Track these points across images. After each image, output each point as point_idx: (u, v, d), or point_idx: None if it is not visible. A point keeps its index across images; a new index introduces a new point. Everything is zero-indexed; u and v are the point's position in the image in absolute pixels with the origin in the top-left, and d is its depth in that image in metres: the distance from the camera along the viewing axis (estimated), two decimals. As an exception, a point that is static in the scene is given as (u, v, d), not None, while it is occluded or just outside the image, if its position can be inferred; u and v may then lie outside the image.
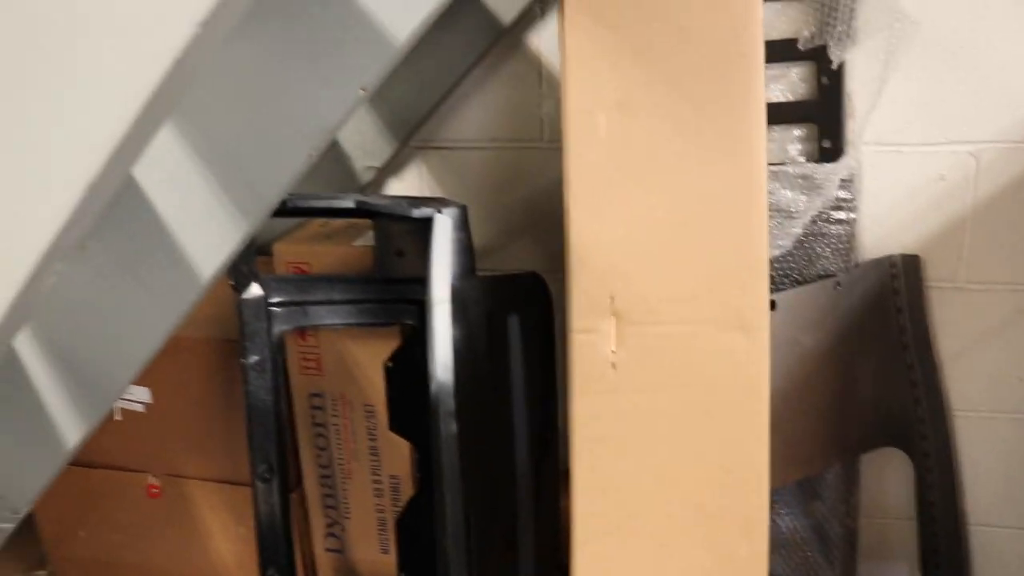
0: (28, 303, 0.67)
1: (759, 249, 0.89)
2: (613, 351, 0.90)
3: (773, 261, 1.29)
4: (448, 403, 0.98)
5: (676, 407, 0.90)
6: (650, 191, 0.90)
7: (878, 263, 1.33)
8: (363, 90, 0.89)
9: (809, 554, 1.39)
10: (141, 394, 1.32)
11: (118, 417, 1.34)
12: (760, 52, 0.89)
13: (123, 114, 0.83)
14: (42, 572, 1.62)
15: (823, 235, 1.30)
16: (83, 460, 1.31)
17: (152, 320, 1.09)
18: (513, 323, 1.07)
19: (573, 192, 0.90)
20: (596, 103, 0.90)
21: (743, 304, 0.89)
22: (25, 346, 1.15)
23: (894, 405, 1.37)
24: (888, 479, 1.44)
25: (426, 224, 1.03)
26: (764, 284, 0.90)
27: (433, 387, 0.98)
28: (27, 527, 1.47)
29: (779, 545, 1.39)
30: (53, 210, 0.66)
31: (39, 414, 1.16)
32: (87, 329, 1.12)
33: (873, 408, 1.37)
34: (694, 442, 0.91)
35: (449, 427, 0.98)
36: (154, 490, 1.39)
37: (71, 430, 1.16)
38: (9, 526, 1.26)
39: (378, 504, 1.28)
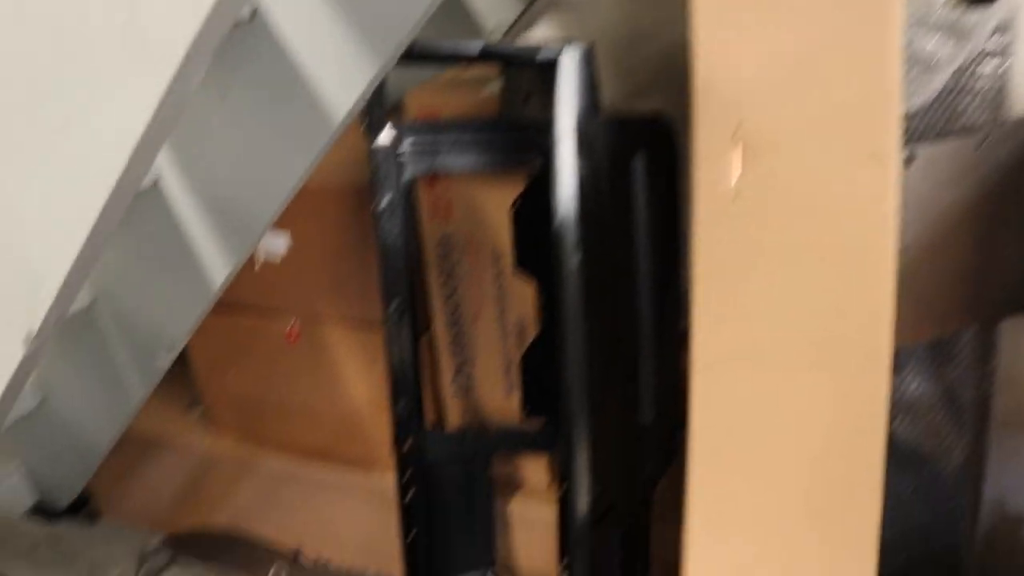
0: (175, 104, 0.72)
1: (892, 81, 0.86)
2: (736, 181, 0.89)
3: (911, 116, 1.24)
4: (571, 236, 0.99)
5: (799, 240, 0.90)
6: (779, 17, 0.88)
7: (1029, 120, 1.26)
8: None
9: (938, 419, 1.36)
10: (280, 240, 1.39)
11: (259, 263, 1.41)
12: None
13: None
14: (197, 409, 1.76)
15: (968, 89, 1.23)
16: (228, 302, 1.39)
17: (290, 161, 1.14)
18: (637, 163, 1.07)
19: (699, 17, 0.89)
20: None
21: (875, 137, 0.87)
22: (173, 189, 1.23)
23: (1039, 271, 1.31)
24: (1027, 348, 1.38)
25: (551, 65, 1.03)
26: (896, 117, 0.87)
27: (557, 221, 1.00)
28: (182, 367, 1.59)
29: (905, 408, 1.36)
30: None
31: (189, 254, 1.24)
32: (229, 172, 1.19)
33: (1016, 273, 1.31)
34: (818, 276, 0.90)
35: (572, 260, 1.00)
36: (294, 333, 1.47)
37: (217, 270, 1.24)
38: (165, 361, 1.37)
39: (504, 346, 1.32)
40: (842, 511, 0.94)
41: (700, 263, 0.91)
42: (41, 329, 0.80)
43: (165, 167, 1.20)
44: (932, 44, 1.21)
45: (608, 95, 1.43)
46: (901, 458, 1.38)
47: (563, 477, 1.23)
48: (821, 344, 0.91)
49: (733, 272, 0.91)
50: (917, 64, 1.22)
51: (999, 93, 1.24)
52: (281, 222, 1.20)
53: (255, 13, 1.03)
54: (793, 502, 0.95)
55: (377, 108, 1.18)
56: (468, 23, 1.48)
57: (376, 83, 1.03)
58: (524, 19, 1.46)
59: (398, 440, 1.28)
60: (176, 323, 1.32)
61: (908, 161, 1.20)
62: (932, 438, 1.37)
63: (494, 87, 1.23)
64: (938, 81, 1.23)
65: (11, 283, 0.79)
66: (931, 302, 1.28)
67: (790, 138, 0.88)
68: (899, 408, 1.36)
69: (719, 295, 0.92)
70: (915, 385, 1.34)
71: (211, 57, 0.74)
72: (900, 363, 1.34)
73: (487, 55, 1.12)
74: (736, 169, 0.89)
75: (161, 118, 0.72)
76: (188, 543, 1.78)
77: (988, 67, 1.23)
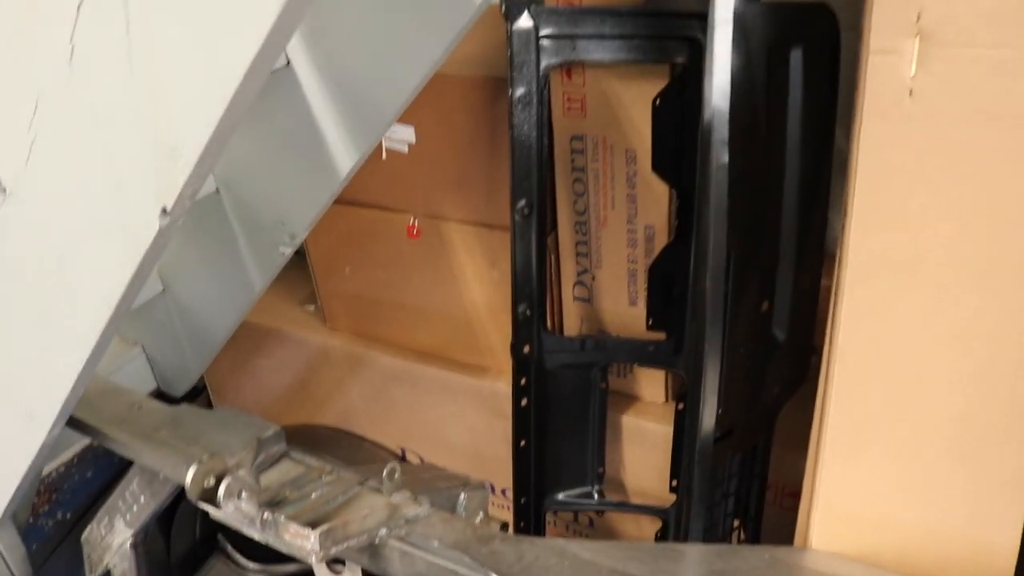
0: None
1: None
2: (913, 75, 0.81)
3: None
4: (722, 131, 0.93)
5: (982, 145, 0.81)
6: None
7: None
8: None
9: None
10: (406, 133, 1.36)
11: (384, 156, 1.38)
12: None
13: None
14: (311, 306, 1.77)
15: None
16: (349, 198, 1.38)
17: (424, 46, 1.10)
18: (795, 58, 0.99)
19: None
20: None
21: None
22: (304, 72, 1.20)
23: None
24: None
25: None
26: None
27: (707, 114, 0.93)
28: (299, 263, 1.59)
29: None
30: None
31: (317, 141, 1.22)
32: (361, 55, 1.15)
33: None
34: (997, 187, 0.82)
35: (721, 157, 0.94)
36: (414, 230, 1.45)
37: (344, 157, 1.22)
38: (287, 250, 1.37)
39: (630, 254, 1.27)
40: (995, 447, 0.87)
41: (864, 166, 0.84)
42: (177, 203, 0.78)
43: (297, 48, 1.18)
44: None
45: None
46: None
47: (684, 396, 1.18)
48: (990, 263, 0.83)
49: (900, 178, 0.83)
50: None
51: None
52: (408, 114, 1.17)
53: None
54: (940, 432, 0.88)
55: (517, -10, 1.12)
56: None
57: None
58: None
59: (516, 344, 1.25)
60: (299, 212, 1.31)
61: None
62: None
63: (639, -25, 1.15)
64: None
65: (149, 152, 0.78)
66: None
67: (978, 30, 0.79)
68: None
69: (881, 202, 0.84)
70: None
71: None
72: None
73: (636, -62, 1.05)
74: (913, 63, 0.81)
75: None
76: (296, 437, 1.82)
77: None
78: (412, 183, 1.40)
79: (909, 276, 0.85)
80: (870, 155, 0.83)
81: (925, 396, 0.88)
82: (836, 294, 0.89)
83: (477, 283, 1.43)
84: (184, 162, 0.77)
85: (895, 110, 0.82)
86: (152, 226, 0.81)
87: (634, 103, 1.15)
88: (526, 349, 1.26)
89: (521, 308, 1.23)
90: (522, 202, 1.17)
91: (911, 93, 0.82)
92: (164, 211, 0.80)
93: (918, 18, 0.80)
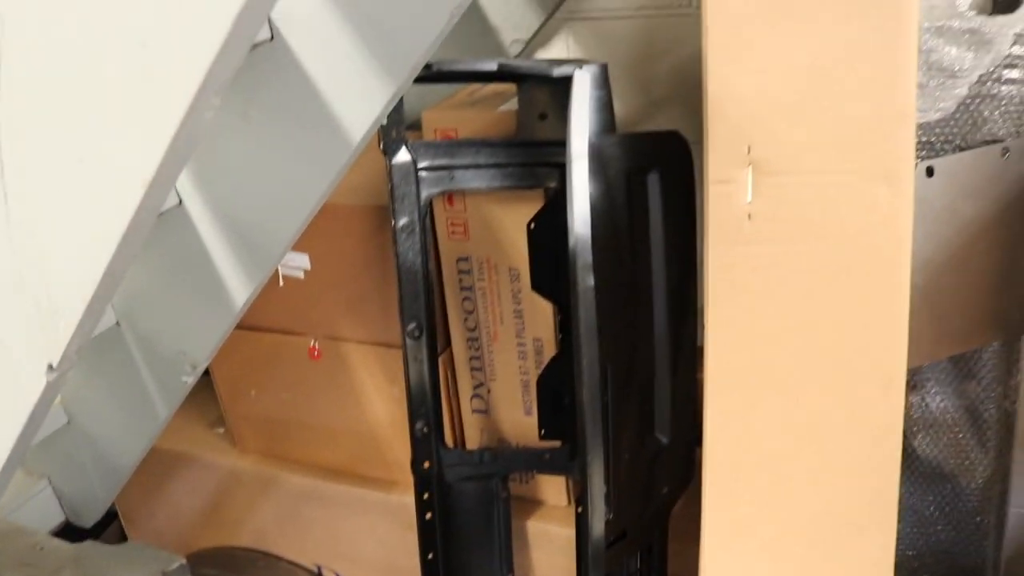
0: (189, 136, 0.73)
1: (906, 97, 0.86)
2: (749, 201, 0.89)
3: (934, 125, 1.23)
4: (586, 256, 0.99)
5: (814, 260, 0.89)
6: (790, 38, 0.87)
7: (1057, 129, 1.24)
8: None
9: (960, 436, 1.35)
10: (300, 260, 1.40)
11: (281, 282, 1.42)
12: None
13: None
14: (220, 429, 1.77)
15: (992, 96, 1.22)
16: (250, 323, 1.41)
17: (309, 182, 1.15)
18: (653, 181, 1.07)
19: (711, 39, 0.88)
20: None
21: (887, 155, 0.87)
22: (196, 209, 1.24)
23: (1064, 284, 1.30)
24: (1054, 362, 1.37)
25: (566, 83, 1.03)
26: (910, 135, 0.86)
27: (571, 241, 1.00)
28: (206, 388, 1.61)
29: (927, 425, 1.35)
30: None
31: (212, 274, 1.25)
32: (251, 192, 1.20)
33: (1041, 287, 1.30)
34: (832, 296, 0.90)
35: (587, 280, 1.00)
36: (315, 352, 1.48)
37: (239, 289, 1.25)
38: (190, 379, 1.38)
39: (522, 366, 1.32)
40: (858, 534, 0.93)
41: (714, 285, 0.91)
42: (62, 360, 0.81)
43: (188, 187, 1.21)
44: (954, 52, 1.20)
45: (625, 111, 1.43)
46: (923, 476, 1.37)
47: (579, 500, 1.22)
48: (836, 364, 0.90)
49: (747, 293, 0.91)
50: (939, 72, 1.22)
51: (1023, 101, 1.23)
52: (302, 242, 1.21)
53: (274, 33, 1.04)
54: (808, 524, 0.94)
55: (395, 128, 1.18)
56: (488, 39, 1.49)
57: (393, 103, 1.03)
58: (543, 34, 1.46)
59: (416, 460, 1.28)
60: (199, 342, 1.33)
61: (929, 173, 1.20)
62: (955, 455, 1.36)
63: (510, 105, 1.23)
64: (961, 89, 1.22)
65: (31, 314, 0.81)
66: (952, 318, 1.27)
67: (802, 158, 0.88)
68: (921, 425, 1.35)
69: (733, 316, 0.91)
70: (937, 402, 1.33)
71: (226, 87, 0.74)
72: (921, 380, 1.33)
73: (503, 73, 1.12)
74: (748, 190, 0.89)
75: (176, 149, 0.73)
76: (211, 560, 1.80)
77: (1012, 74, 1.22)
78: (310, 307, 1.44)
79: (763, 384, 0.92)
80: (718, 276, 0.91)
81: (787, 494, 0.94)
82: (704, 402, 0.95)
83: (379, 400, 1.46)
84: (66, 323, 0.80)
85: (736, 234, 0.90)
86: (39, 381, 0.84)
87: (512, 226, 1.22)
88: (426, 465, 1.29)
89: (419, 425, 1.27)
90: (412, 324, 1.22)
91: (749, 217, 0.89)
92: (50, 367, 0.83)
93: (749, 150, 0.89)
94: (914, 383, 1.34)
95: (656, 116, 1.40)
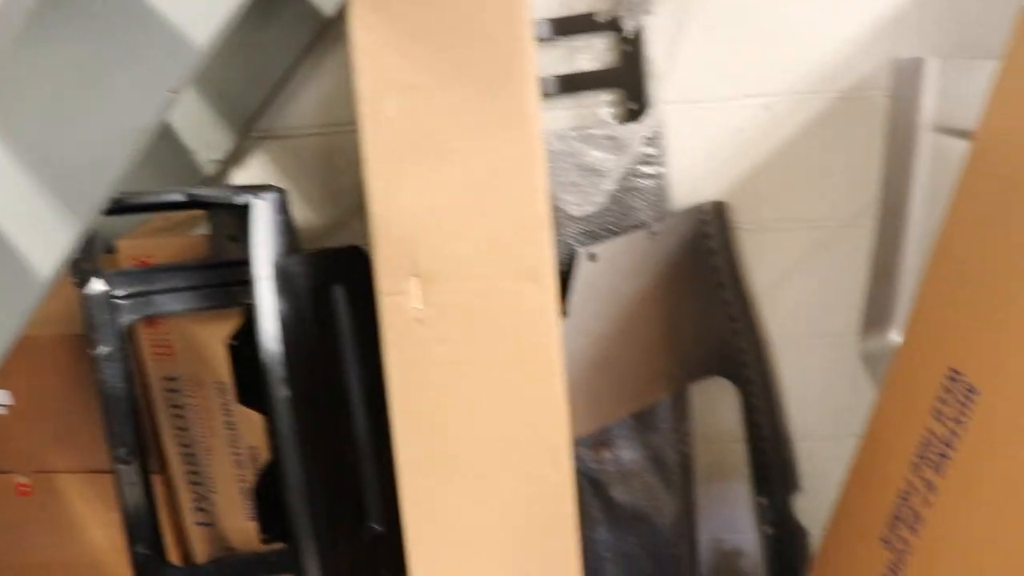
0: None
1: (540, 207, 1.00)
2: (418, 308, 1.00)
3: (591, 216, 1.41)
4: (278, 370, 1.06)
5: (480, 354, 1.01)
6: (442, 163, 1.00)
7: (689, 211, 1.45)
8: (172, 92, 0.95)
9: (650, 480, 1.52)
10: (2, 397, 1.37)
11: (-17, 421, 1.38)
12: (529, 37, 0.99)
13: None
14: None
15: (635, 189, 1.42)
16: (-49, 467, 1.35)
17: (-2, 322, 1.14)
18: (338, 293, 1.16)
19: (371, 168, 0.99)
20: (386, 86, 0.99)
21: (531, 257, 1.00)
22: None
23: (716, 338, 1.51)
24: (718, 406, 1.57)
25: (248, 209, 1.10)
26: (548, 238, 1.01)
27: (263, 357, 1.06)
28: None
29: (621, 475, 1.51)
30: None
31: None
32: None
33: (697, 343, 1.50)
34: (501, 384, 1.01)
35: (281, 392, 1.06)
36: (24, 488, 1.43)
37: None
38: None
39: (240, 475, 1.36)
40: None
41: (394, 384, 1.00)
42: None
43: None
44: (600, 154, 1.39)
45: (320, 222, 1.52)
46: (624, 520, 1.53)
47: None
48: (510, 445, 1.02)
49: (425, 389, 1.01)
50: (589, 172, 1.40)
51: (660, 191, 1.43)
52: (1, 379, 1.20)
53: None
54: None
55: (86, 260, 1.20)
56: (184, 160, 1.52)
57: (80, 239, 1.06)
58: (240, 152, 1.52)
59: (140, 584, 1.28)
60: None
61: (592, 258, 1.37)
62: (647, 498, 1.53)
63: (202, 229, 1.28)
64: (609, 185, 1.41)
65: None
66: (628, 381, 1.44)
67: (461, 266, 1.00)
68: (617, 477, 1.51)
69: (416, 411, 1.01)
70: (627, 455, 1.50)
71: None
72: (612, 438, 1.50)
73: (190, 202, 1.18)
74: (417, 298, 0.99)
75: None
76: None
77: (648, 169, 1.42)
78: (15, 443, 1.40)
79: (450, 469, 1.02)
80: (397, 375, 1.01)
81: (485, 565, 1.04)
82: (399, 493, 1.04)
83: (97, 527, 1.43)
84: None
85: (410, 338, 1.00)
86: None
87: (215, 343, 1.27)
88: (151, 588, 1.28)
89: (138, 548, 1.26)
90: (121, 449, 1.23)
91: (420, 322, 1.00)
92: None
93: (414, 263, 1.00)
94: (605, 440, 1.51)
95: (351, 224, 1.50)
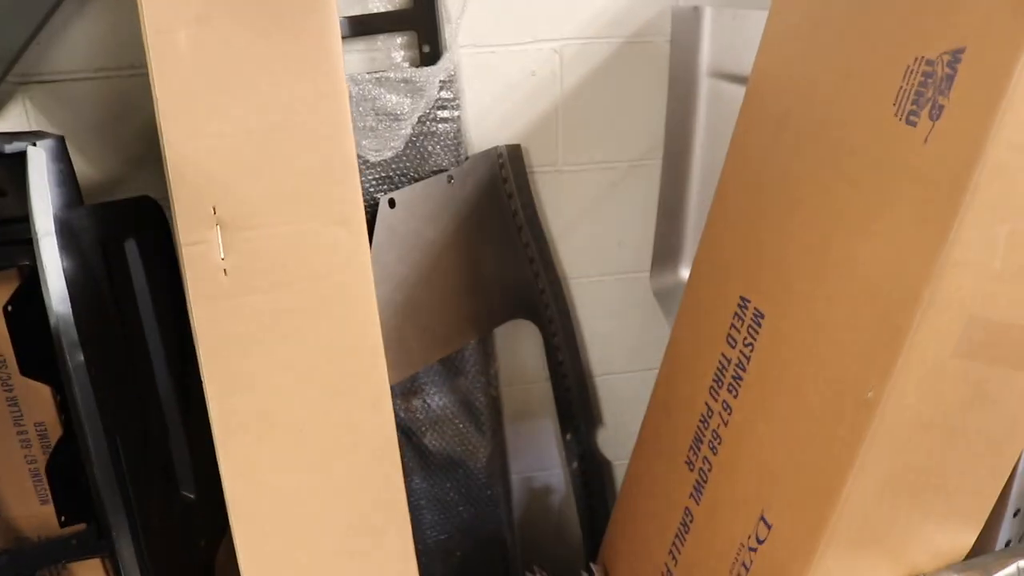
0: None
1: (347, 147, 0.97)
2: (222, 258, 0.95)
3: (388, 162, 1.39)
4: (71, 333, 0.98)
5: (292, 303, 0.97)
6: (239, 101, 0.94)
7: (486, 155, 1.46)
8: None
9: (461, 426, 1.54)
10: None
11: None
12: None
13: None
14: None
15: (432, 134, 1.41)
16: None
17: None
18: (131, 247, 1.08)
19: (163, 109, 0.93)
20: (175, 18, 0.92)
21: (340, 200, 0.97)
22: None
23: (517, 280, 1.54)
24: (521, 347, 1.61)
25: (21, 159, 1.00)
26: (356, 181, 0.98)
27: (52, 320, 0.98)
28: None
29: (432, 422, 1.52)
30: None
31: None
32: None
33: (499, 286, 1.53)
34: (316, 332, 0.99)
35: (76, 358, 0.99)
36: None
37: None
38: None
39: (28, 455, 1.25)
40: (378, 543, 1.04)
41: (203, 339, 0.95)
42: None
43: None
44: (396, 98, 1.36)
45: (102, 175, 1.41)
46: (439, 467, 1.54)
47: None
48: (329, 395, 0.99)
49: (236, 343, 0.96)
50: (386, 116, 1.37)
51: (457, 135, 1.43)
52: None
53: None
54: (335, 544, 1.03)
55: None
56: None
57: None
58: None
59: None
60: None
61: (392, 204, 1.35)
62: (460, 443, 1.55)
63: (-36, 186, 1.16)
64: (406, 129, 1.39)
65: None
66: (435, 327, 1.44)
67: (266, 212, 0.96)
68: (428, 424, 1.52)
69: (227, 367, 0.96)
70: (436, 401, 1.51)
71: None
72: (419, 385, 1.50)
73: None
74: (220, 247, 0.94)
75: None
76: None
77: (444, 114, 1.42)
78: None
79: (268, 424, 0.99)
80: (205, 330, 0.95)
81: (310, 521, 1.02)
82: (216, 452, 0.99)
83: None
84: None
85: (215, 289, 0.95)
86: None
87: (-11, 310, 1.15)
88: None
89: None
90: None
91: (225, 272, 0.95)
92: None
93: (215, 210, 0.94)
94: (414, 389, 1.51)
95: (136, 177, 1.40)
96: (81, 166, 1.40)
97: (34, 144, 1.00)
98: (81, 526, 1.26)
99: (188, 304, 0.95)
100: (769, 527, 1.00)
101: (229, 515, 1.00)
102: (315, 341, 0.98)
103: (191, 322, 0.95)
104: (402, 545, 1.05)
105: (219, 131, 0.94)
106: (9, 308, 1.11)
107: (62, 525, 1.24)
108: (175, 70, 0.92)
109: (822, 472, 0.92)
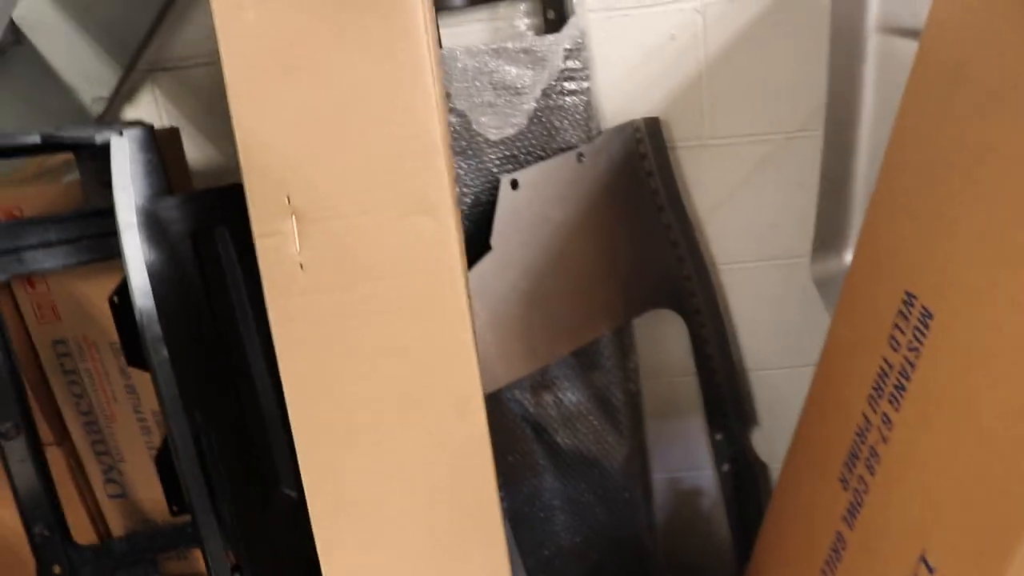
0: None
1: (433, 131, 0.87)
2: (298, 251, 0.88)
3: (511, 140, 1.29)
4: (154, 329, 0.95)
5: (372, 301, 0.89)
6: (313, 82, 0.87)
7: (620, 129, 1.34)
8: None
9: (596, 423, 1.43)
10: None
11: None
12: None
13: None
14: None
15: (559, 108, 1.30)
16: None
17: None
18: (223, 235, 1.04)
19: (233, 91, 0.87)
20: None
21: (424, 187, 0.88)
22: None
23: (658, 266, 1.40)
24: (664, 339, 1.48)
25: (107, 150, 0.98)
26: (443, 164, 0.88)
27: (136, 315, 0.95)
28: None
29: (565, 419, 1.42)
30: None
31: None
32: None
33: (637, 272, 1.40)
34: (397, 333, 0.90)
35: (160, 352, 0.95)
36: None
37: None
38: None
39: (148, 442, 1.25)
40: (465, 559, 0.95)
41: (280, 339, 0.89)
42: None
43: None
44: (515, 70, 1.26)
45: (220, 159, 1.39)
46: (572, 466, 1.44)
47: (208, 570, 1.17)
48: (413, 400, 0.91)
49: (313, 344, 0.90)
50: (505, 91, 1.27)
51: (587, 109, 1.31)
52: None
53: None
54: (418, 559, 0.95)
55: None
56: (67, 99, 1.39)
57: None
58: (128, 88, 1.39)
59: (43, 567, 1.18)
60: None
61: (514, 185, 1.25)
62: (595, 441, 1.44)
63: (75, 175, 1.16)
64: (529, 104, 1.28)
65: None
66: (564, 317, 1.34)
67: (342, 201, 0.88)
68: (560, 421, 1.42)
69: (305, 368, 0.90)
70: (569, 397, 1.40)
71: None
72: (551, 379, 1.40)
73: (49, 144, 1.04)
74: (296, 240, 0.88)
75: None
76: None
77: (571, 86, 1.30)
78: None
79: (349, 430, 0.92)
80: (282, 330, 0.89)
81: (392, 533, 0.95)
82: (298, 456, 0.93)
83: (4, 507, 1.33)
84: None
85: (291, 285, 0.88)
86: None
87: (101, 300, 1.15)
88: (56, 570, 1.19)
89: (37, 530, 1.16)
90: (6, 424, 1.11)
91: (302, 267, 0.88)
92: None
93: (289, 200, 0.88)
94: (545, 383, 1.41)
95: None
96: (205, 150, 1.39)
97: (120, 134, 0.96)
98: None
99: (266, 302, 0.89)
100: (931, 571, 0.84)
101: (312, 520, 0.94)
102: (399, 342, 0.90)
103: (270, 321, 0.89)
104: (493, 565, 0.96)
105: (291, 117, 0.87)
106: (115, 299, 1.10)
107: (173, 514, 1.24)
108: (243, 48, 0.86)
109: (997, 513, 0.75)
